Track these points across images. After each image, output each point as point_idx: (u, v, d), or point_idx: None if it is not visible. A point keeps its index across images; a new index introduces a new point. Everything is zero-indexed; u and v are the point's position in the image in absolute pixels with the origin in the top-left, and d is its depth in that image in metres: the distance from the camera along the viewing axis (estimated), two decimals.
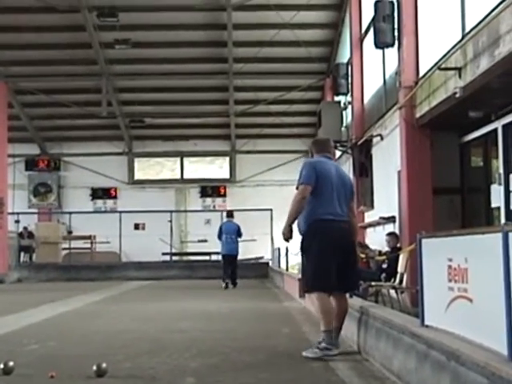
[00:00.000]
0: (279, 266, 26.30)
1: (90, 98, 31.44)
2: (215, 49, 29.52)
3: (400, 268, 12.70)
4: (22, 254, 32.86)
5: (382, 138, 19.46)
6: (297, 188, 8.09)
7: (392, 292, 13.11)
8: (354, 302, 9.30)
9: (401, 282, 12.55)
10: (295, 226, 8.16)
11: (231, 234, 22.46)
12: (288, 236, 8.04)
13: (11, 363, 7.02)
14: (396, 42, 16.62)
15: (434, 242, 6.53)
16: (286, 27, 26.27)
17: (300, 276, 8.19)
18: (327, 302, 7.96)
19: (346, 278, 8.09)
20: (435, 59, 14.17)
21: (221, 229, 22.79)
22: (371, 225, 20.86)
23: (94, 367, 6.84)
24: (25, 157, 35.60)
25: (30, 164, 35.93)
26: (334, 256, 7.99)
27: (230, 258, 22.32)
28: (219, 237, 22.60)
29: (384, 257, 14.67)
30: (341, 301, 8.18)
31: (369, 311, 8.33)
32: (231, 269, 22.35)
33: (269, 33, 27.02)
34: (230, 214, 23.60)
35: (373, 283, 13.13)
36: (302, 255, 8.22)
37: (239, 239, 22.76)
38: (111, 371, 6.91)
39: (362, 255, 14.45)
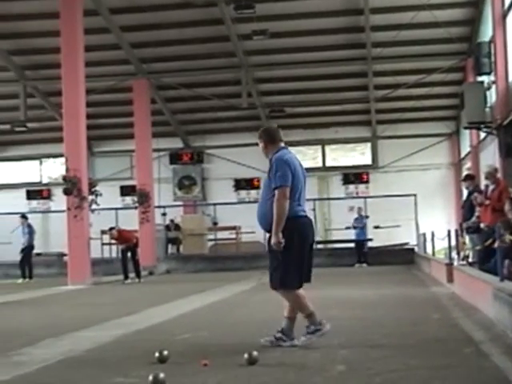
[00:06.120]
0: (425, 252, 25.90)
1: (230, 90, 31.91)
2: (353, 34, 29.32)
3: None
4: (170, 246, 33.53)
5: None
6: (274, 189, 7.97)
7: None
8: (506, 285, 9.05)
9: None
10: (256, 220, 8.24)
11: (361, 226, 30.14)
12: (281, 244, 7.82)
13: (166, 352, 7.20)
14: None
15: None
16: (424, 8, 25.78)
17: (278, 270, 8.02)
18: (302, 297, 8.29)
19: (309, 271, 8.28)
20: None
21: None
22: None
23: (246, 355, 6.94)
24: (169, 151, 36.45)
25: (174, 158, 36.80)
26: (307, 252, 8.16)
27: (361, 242, 29.94)
28: (354, 227, 29.91)
29: None
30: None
31: None
32: (361, 250, 29.70)
33: (407, 15, 26.59)
34: (359, 211, 30.67)
35: None
36: (274, 252, 7.98)
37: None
38: (262, 359, 6.98)
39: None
